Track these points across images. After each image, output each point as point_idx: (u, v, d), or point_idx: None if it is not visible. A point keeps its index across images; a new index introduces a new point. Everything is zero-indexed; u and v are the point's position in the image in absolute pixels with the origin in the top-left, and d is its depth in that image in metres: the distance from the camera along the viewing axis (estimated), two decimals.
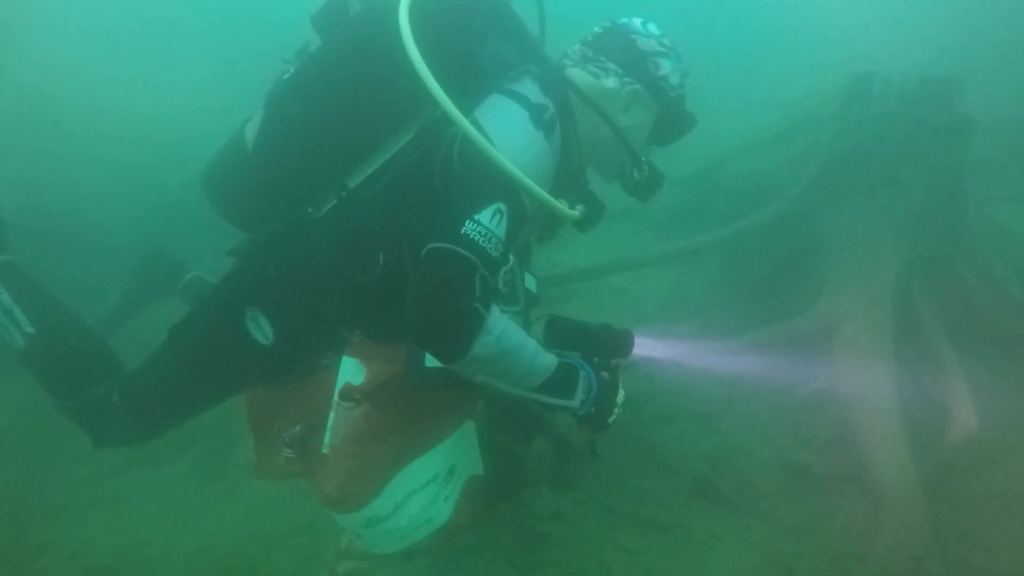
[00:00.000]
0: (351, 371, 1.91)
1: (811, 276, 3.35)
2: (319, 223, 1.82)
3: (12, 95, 6.75)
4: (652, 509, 2.98)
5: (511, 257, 1.90)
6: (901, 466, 2.72)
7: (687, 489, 3.07)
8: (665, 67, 2.01)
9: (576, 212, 1.87)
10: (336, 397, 1.89)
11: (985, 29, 7.79)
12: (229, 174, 1.98)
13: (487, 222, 1.57)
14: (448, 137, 1.71)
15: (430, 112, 1.75)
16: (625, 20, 2.09)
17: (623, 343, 1.97)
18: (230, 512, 3.17)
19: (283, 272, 1.88)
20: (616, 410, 1.92)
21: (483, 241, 1.55)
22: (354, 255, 1.79)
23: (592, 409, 1.85)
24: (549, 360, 1.74)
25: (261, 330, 1.93)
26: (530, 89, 1.83)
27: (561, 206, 1.79)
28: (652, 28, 2.06)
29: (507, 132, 1.70)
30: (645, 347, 2.14)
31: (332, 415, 1.90)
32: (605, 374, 1.90)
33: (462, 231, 1.54)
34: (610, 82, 2.00)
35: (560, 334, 1.95)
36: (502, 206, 1.60)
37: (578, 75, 2.01)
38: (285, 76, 1.95)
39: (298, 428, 1.98)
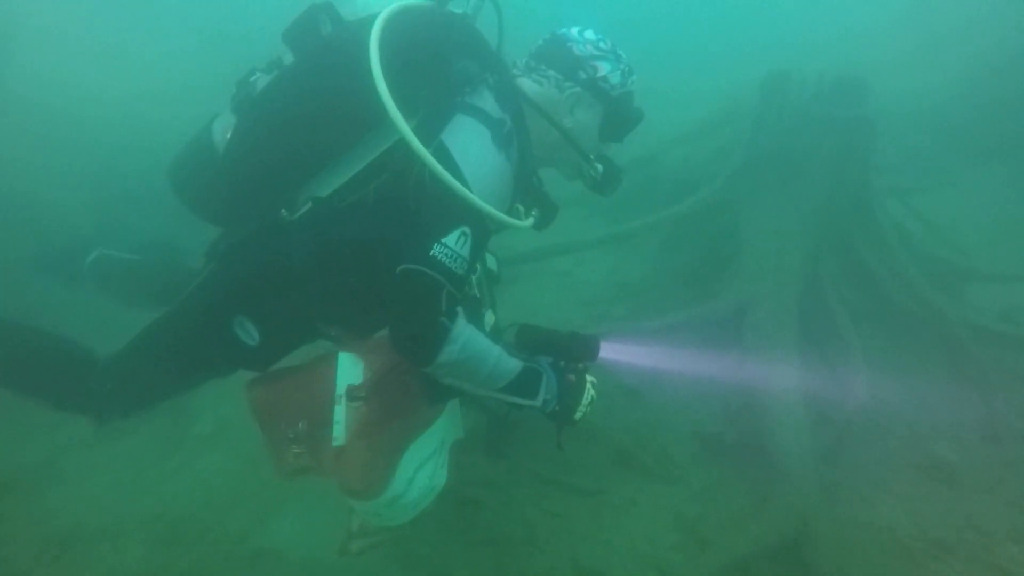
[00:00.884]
0: (349, 366, 2.10)
1: (733, 261, 3.61)
2: (296, 227, 1.93)
3: None
4: (577, 477, 3.25)
5: (477, 267, 2.12)
6: (797, 436, 3.01)
7: (610, 458, 3.35)
8: (603, 69, 2.17)
9: (530, 221, 2.09)
10: (343, 395, 2.06)
11: (919, 29, 8.11)
12: (197, 171, 2.07)
13: (453, 244, 1.76)
14: (419, 161, 1.82)
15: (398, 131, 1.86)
16: (563, 30, 2.25)
17: (589, 348, 2.17)
18: (185, 482, 3.37)
19: (268, 278, 2.00)
20: (584, 409, 2.14)
21: (449, 262, 1.74)
22: (334, 261, 1.94)
23: (557, 407, 2.07)
24: (512, 364, 1.96)
25: (248, 333, 2.07)
26: (488, 102, 2.00)
27: (518, 222, 1.98)
28: (588, 35, 2.22)
29: (472, 157, 1.86)
30: (611, 351, 2.31)
31: (337, 409, 2.06)
32: (572, 376, 2.11)
33: (430, 253, 1.73)
34: (552, 88, 2.16)
35: (530, 340, 2.16)
36: (467, 229, 1.78)
37: (526, 84, 2.18)
38: (252, 79, 2.07)
39: (301, 425, 2.12)
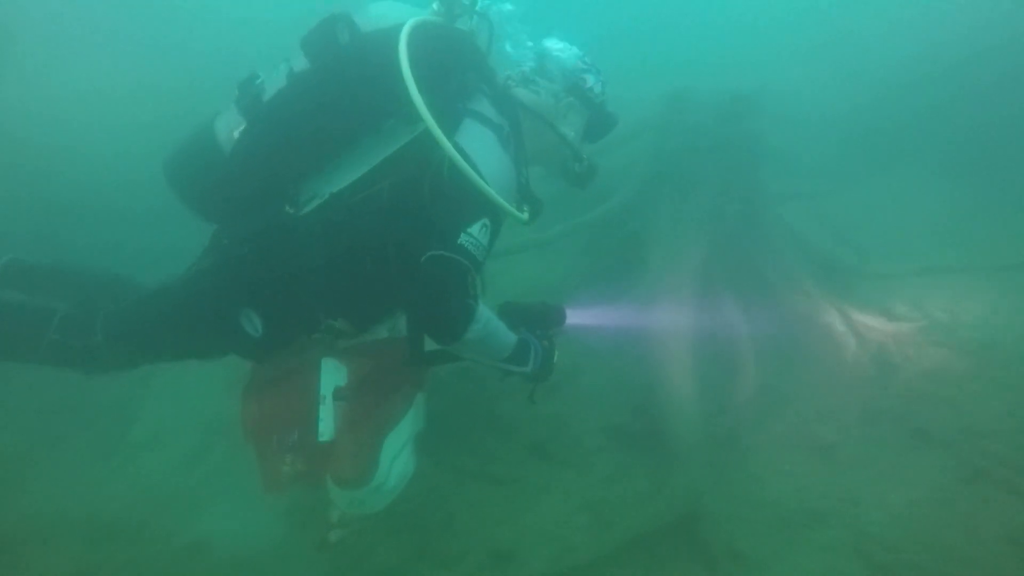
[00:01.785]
0: (332, 371, 2.32)
1: (640, 264, 3.95)
2: (305, 222, 2.06)
3: None
4: (495, 467, 3.52)
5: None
6: (691, 424, 3.35)
7: (526, 450, 3.63)
8: (590, 80, 2.49)
9: (526, 215, 2.32)
10: (328, 397, 2.27)
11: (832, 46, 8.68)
12: (200, 169, 2.14)
13: (477, 234, 1.97)
14: (437, 159, 2.00)
15: (412, 130, 2.05)
16: (550, 48, 2.52)
17: (558, 317, 2.53)
18: (121, 483, 3.52)
19: (276, 272, 2.10)
20: (553, 367, 2.44)
21: (474, 250, 1.95)
22: (345, 254, 2.08)
23: (539, 371, 2.36)
24: (512, 338, 2.22)
25: (252, 325, 2.18)
26: (488, 108, 2.22)
27: (521, 215, 2.23)
28: (574, 51, 2.53)
29: (486, 156, 2.06)
30: (573, 317, 2.67)
31: (322, 409, 2.26)
32: (545, 342, 2.42)
33: (459, 242, 1.93)
34: (548, 97, 2.44)
35: (512, 314, 2.43)
36: (487, 220, 2.00)
37: (522, 94, 2.45)
38: (257, 82, 2.18)
39: (296, 435, 2.30)
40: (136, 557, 3.05)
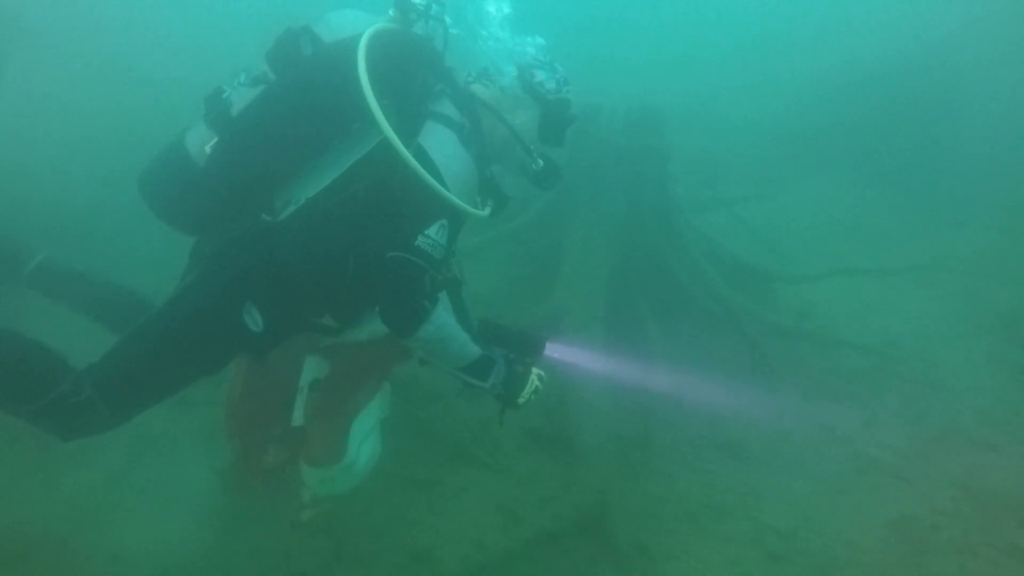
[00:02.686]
0: (313, 367, 2.63)
1: (558, 271, 4.12)
2: (282, 227, 2.15)
3: None
4: (416, 470, 3.65)
5: (456, 252, 2.47)
6: (599, 425, 3.53)
7: (447, 453, 3.77)
8: (539, 76, 2.54)
9: (487, 211, 2.43)
10: (305, 388, 2.57)
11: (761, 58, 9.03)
12: (174, 183, 2.19)
13: (434, 235, 2.09)
14: (402, 162, 2.06)
15: (377, 135, 2.09)
16: (509, 46, 2.62)
17: (535, 347, 2.61)
18: (43, 500, 3.54)
19: (271, 269, 2.17)
20: (528, 396, 2.51)
21: (430, 250, 2.08)
22: (322, 255, 2.18)
23: (503, 392, 2.46)
24: (473, 350, 2.33)
25: (253, 319, 2.21)
26: (449, 108, 2.31)
27: (480, 212, 2.33)
28: (530, 50, 2.62)
29: (447, 157, 2.16)
30: (555, 351, 2.75)
31: (299, 399, 2.57)
32: (520, 368, 2.49)
33: (416, 243, 2.06)
34: (496, 90, 2.52)
35: (489, 333, 2.55)
36: (444, 221, 2.13)
37: (478, 89, 2.54)
38: (224, 95, 2.23)
39: (278, 427, 2.61)
40: (59, 571, 3.10)
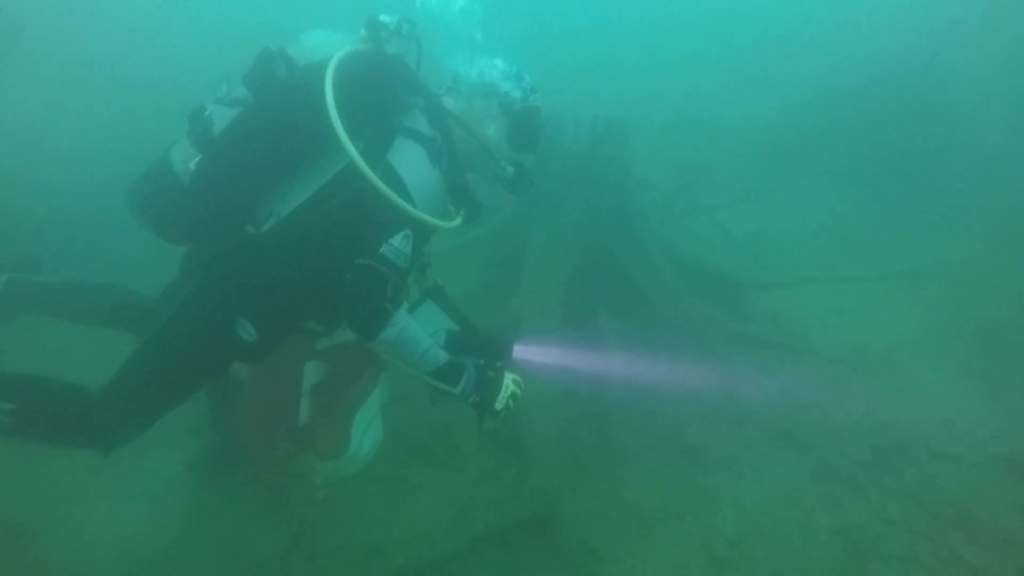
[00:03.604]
0: (312, 372, 2.91)
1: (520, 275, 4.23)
2: (265, 238, 2.28)
3: None
4: (378, 468, 3.77)
5: (423, 253, 2.58)
6: (549, 428, 3.63)
7: (409, 452, 3.91)
8: (506, 86, 2.63)
9: (458, 220, 2.52)
10: (307, 391, 2.85)
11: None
12: (160, 197, 2.34)
13: (398, 244, 2.21)
14: (368, 182, 2.17)
15: (346, 156, 2.18)
16: (477, 58, 2.71)
17: (501, 350, 2.69)
18: (23, 485, 3.73)
19: (259, 283, 2.29)
20: (504, 401, 2.53)
21: (394, 258, 2.20)
22: (303, 264, 2.29)
23: (476, 398, 2.50)
24: (441, 355, 2.40)
25: (247, 331, 2.33)
26: (421, 123, 2.40)
27: (449, 224, 2.45)
28: (497, 61, 2.70)
29: (414, 174, 2.26)
30: (524, 352, 2.80)
31: (304, 401, 2.85)
32: (492, 373, 2.55)
33: (380, 251, 2.18)
34: (464, 102, 2.63)
35: (455, 341, 2.68)
36: (409, 232, 2.24)
37: (448, 102, 2.65)
38: (206, 113, 2.35)
39: (285, 424, 2.87)
40: (35, 557, 3.30)
